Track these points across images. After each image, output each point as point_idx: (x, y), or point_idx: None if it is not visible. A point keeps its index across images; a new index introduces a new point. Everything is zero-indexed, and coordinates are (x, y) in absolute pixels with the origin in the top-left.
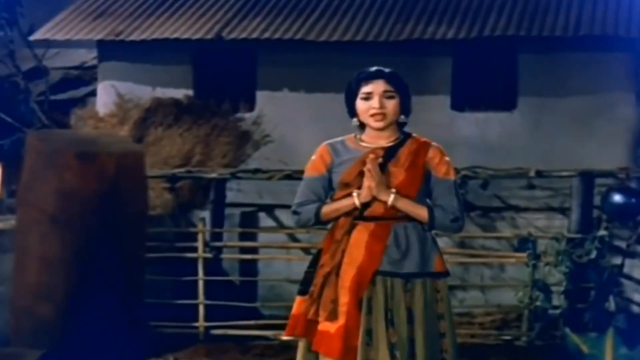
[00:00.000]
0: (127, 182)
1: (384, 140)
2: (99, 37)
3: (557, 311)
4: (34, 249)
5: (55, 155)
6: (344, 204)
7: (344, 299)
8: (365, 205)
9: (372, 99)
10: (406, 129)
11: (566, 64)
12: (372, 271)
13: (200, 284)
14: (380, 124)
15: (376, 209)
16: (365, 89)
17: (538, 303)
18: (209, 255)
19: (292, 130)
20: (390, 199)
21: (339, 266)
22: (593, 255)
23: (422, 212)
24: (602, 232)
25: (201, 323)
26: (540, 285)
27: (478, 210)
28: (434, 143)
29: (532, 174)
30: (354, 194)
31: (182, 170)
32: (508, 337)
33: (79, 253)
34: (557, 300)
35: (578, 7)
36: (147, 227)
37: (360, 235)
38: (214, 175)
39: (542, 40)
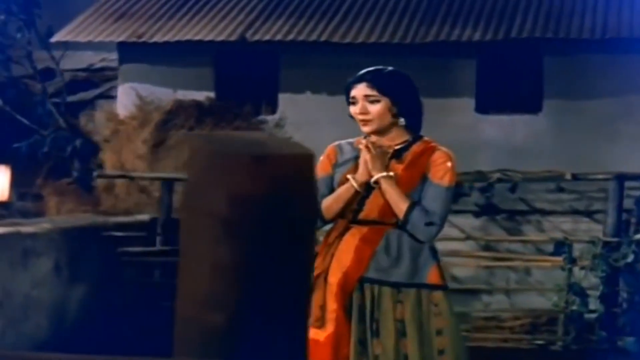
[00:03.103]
0: (298, 187)
1: (389, 142)
2: (121, 39)
3: (592, 315)
4: (204, 256)
5: (228, 158)
6: (342, 190)
7: (333, 305)
8: (359, 208)
9: (357, 104)
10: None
11: (592, 66)
12: (356, 277)
13: None
14: (365, 129)
15: (370, 212)
16: (351, 92)
17: (574, 307)
18: None
19: (314, 133)
20: (380, 175)
21: (327, 270)
22: (630, 259)
23: (402, 205)
24: (638, 236)
25: None
26: (577, 289)
27: (504, 213)
28: (442, 148)
29: (567, 176)
30: (349, 177)
31: None
32: (541, 342)
33: (250, 260)
34: (593, 304)
35: (604, 9)
36: (315, 233)
37: (352, 238)
38: None
39: (568, 43)
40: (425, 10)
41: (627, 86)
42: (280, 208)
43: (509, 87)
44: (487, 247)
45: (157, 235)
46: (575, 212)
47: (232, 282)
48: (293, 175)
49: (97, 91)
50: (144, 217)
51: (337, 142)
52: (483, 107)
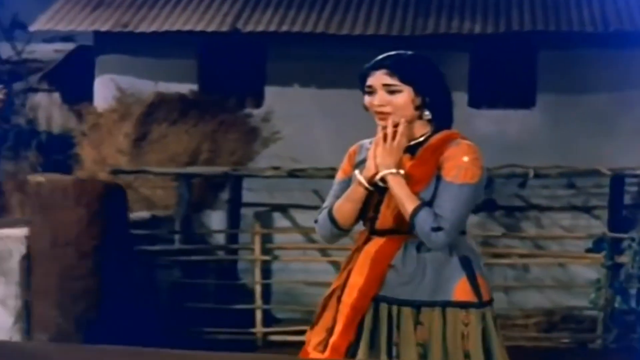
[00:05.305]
0: None
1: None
2: (105, 28)
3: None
4: None
5: None
6: (351, 188)
7: (339, 327)
8: (376, 215)
9: (375, 94)
10: None
11: (586, 61)
12: (370, 296)
13: (258, 288)
14: (383, 123)
15: (385, 220)
16: (368, 81)
17: (616, 305)
18: (267, 257)
19: (303, 127)
20: (387, 171)
21: (343, 288)
22: None
23: (408, 206)
24: None
25: (259, 329)
26: (618, 287)
27: (502, 209)
28: (461, 141)
29: (605, 171)
30: (356, 173)
31: (228, 168)
32: (567, 340)
33: None
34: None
35: (599, 1)
36: None
37: (369, 251)
38: (270, 173)
39: (562, 36)
40: (417, 2)
41: (622, 80)
42: None
43: (502, 81)
44: (485, 243)
45: (175, 233)
46: (574, 207)
47: None
48: None
49: (21, 85)
50: (145, 214)
51: (360, 142)
52: (476, 102)
